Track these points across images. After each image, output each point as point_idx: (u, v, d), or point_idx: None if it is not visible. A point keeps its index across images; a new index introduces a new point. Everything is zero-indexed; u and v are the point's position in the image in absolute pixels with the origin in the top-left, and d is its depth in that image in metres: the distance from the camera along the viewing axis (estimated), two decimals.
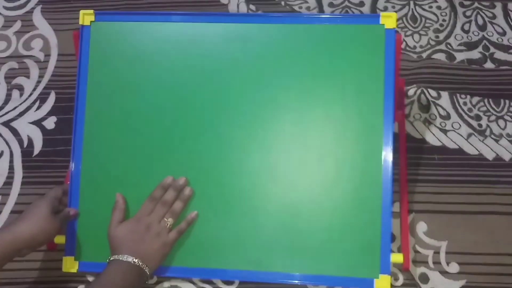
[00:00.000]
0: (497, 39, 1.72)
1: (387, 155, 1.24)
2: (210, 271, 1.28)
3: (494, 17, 1.76)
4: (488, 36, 1.72)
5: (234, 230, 1.28)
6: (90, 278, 1.38)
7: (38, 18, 1.86)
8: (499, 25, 1.74)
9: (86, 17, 1.33)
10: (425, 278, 1.36)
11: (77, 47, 1.34)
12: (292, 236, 1.26)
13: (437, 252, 1.39)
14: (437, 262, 1.37)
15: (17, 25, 1.85)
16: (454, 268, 1.37)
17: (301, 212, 1.27)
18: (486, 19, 1.76)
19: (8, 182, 1.55)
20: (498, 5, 1.78)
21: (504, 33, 1.73)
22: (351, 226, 1.25)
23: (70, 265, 1.30)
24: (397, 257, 1.23)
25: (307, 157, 1.28)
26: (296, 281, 1.26)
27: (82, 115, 1.32)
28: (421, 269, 1.36)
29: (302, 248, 1.26)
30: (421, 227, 1.42)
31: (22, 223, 1.18)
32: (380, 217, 1.23)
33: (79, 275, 1.35)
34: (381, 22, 1.26)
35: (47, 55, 1.77)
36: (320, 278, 1.25)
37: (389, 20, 1.26)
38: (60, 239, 1.31)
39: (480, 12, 1.77)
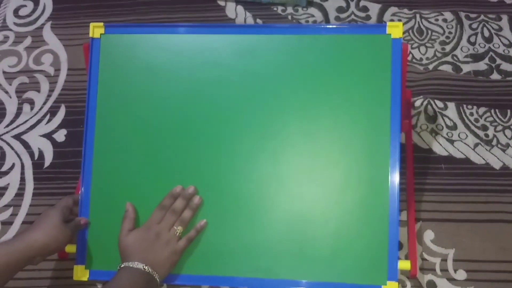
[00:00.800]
0: (503, 51, 1.73)
1: (394, 164, 1.24)
2: (219, 279, 1.29)
3: (500, 29, 1.78)
4: (494, 48, 1.74)
5: (242, 238, 1.28)
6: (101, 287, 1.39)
7: (48, 34, 1.88)
8: (505, 37, 1.76)
9: (96, 29, 1.35)
10: (432, 285, 1.36)
11: (87, 60, 1.36)
12: (300, 244, 1.27)
13: (444, 260, 1.39)
14: (444, 270, 1.38)
15: (28, 41, 1.87)
16: (461, 275, 1.37)
17: (309, 220, 1.27)
18: (492, 31, 1.77)
19: (20, 194, 1.57)
20: (504, 18, 1.80)
21: (510, 45, 1.74)
22: (359, 234, 1.25)
23: (81, 273, 1.31)
24: (404, 264, 1.23)
25: (315, 166, 1.29)
26: None
27: (92, 125, 1.33)
28: (429, 276, 1.37)
29: (310, 256, 1.26)
30: (429, 235, 1.42)
31: (34, 232, 1.20)
32: (388, 225, 1.24)
33: (89, 283, 1.36)
34: (387, 32, 1.27)
35: (57, 70, 1.80)
36: (328, 285, 1.25)
37: (395, 29, 1.27)
38: (71, 248, 1.32)
39: (486, 25, 1.79)
